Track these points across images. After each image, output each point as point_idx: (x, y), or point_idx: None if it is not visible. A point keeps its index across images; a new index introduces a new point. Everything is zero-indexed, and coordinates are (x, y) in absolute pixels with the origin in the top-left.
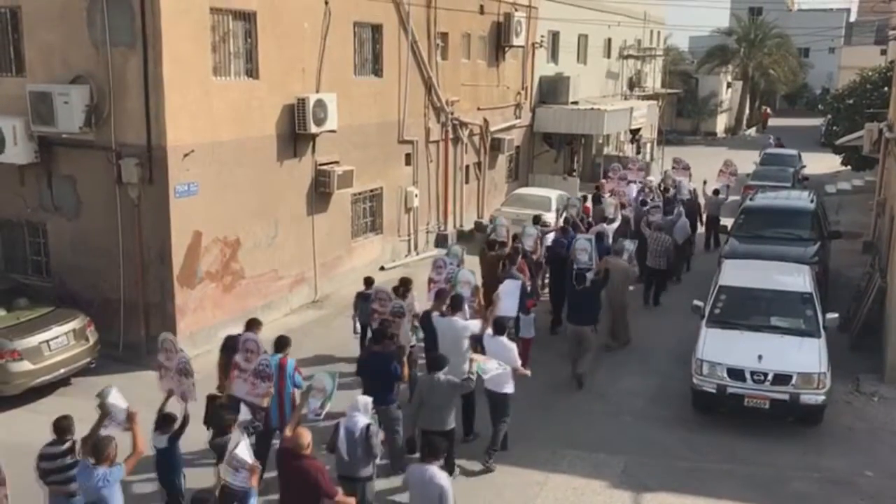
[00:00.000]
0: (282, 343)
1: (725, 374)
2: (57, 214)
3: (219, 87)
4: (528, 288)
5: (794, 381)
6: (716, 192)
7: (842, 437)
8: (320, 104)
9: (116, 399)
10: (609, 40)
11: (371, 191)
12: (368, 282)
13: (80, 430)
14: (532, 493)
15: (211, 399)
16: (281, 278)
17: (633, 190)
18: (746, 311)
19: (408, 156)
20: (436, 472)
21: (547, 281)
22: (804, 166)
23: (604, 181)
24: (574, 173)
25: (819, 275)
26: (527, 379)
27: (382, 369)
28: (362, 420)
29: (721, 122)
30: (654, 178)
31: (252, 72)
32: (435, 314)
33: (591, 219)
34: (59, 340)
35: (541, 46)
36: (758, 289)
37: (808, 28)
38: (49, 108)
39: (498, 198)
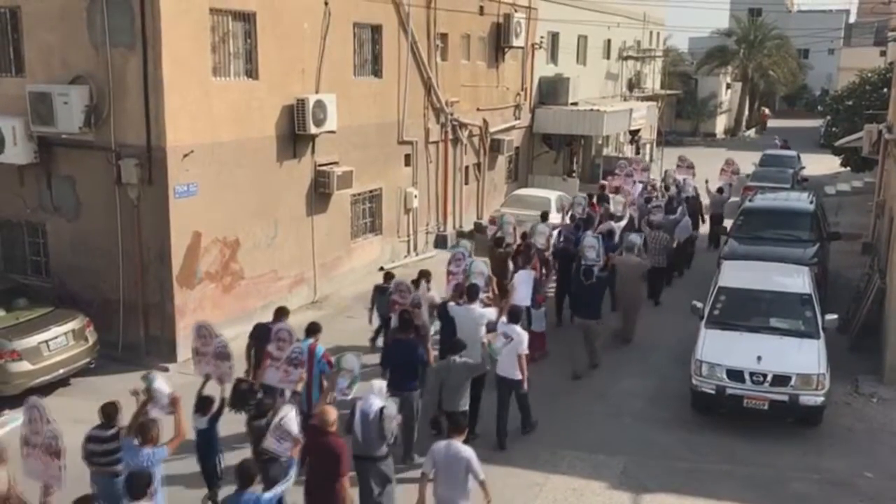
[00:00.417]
0: (313, 329)
1: (725, 375)
2: (56, 215)
3: (218, 87)
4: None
5: (793, 382)
6: (720, 190)
7: (841, 438)
8: (320, 105)
9: (161, 384)
10: (608, 41)
11: (370, 191)
12: (388, 276)
13: (78, 433)
14: (531, 494)
15: (238, 382)
16: (280, 279)
17: (638, 189)
18: (746, 312)
19: (407, 156)
20: (460, 446)
21: (554, 277)
22: (803, 167)
23: (604, 182)
24: (573, 174)
25: (818, 276)
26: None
27: (408, 356)
28: (377, 403)
29: (720, 124)
30: (656, 178)
31: (252, 72)
32: (451, 304)
33: (600, 217)
34: (59, 341)
35: (540, 47)
36: (757, 290)
37: (808, 29)
38: (49, 108)
39: (497, 199)
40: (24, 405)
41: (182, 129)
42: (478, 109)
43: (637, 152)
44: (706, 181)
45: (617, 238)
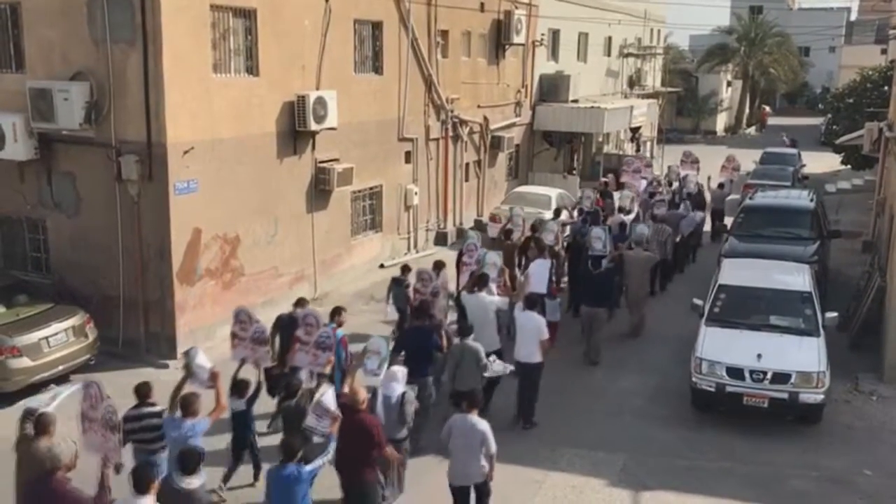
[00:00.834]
0: (336, 312)
1: (724, 373)
2: (56, 211)
3: (219, 84)
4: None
5: (793, 379)
6: (720, 185)
7: (841, 435)
8: (320, 101)
9: (202, 360)
10: (609, 38)
11: (371, 188)
12: (405, 269)
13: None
14: (531, 492)
15: (268, 369)
16: (280, 276)
17: (643, 184)
18: (746, 309)
19: (408, 153)
20: (476, 420)
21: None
22: (804, 165)
23: (605, 179)
24: (574, 171)
25: (818, 274)
26: None
27: (423, 342)
28: (399, 388)
29: (721, 121)
30: (660, 174)
31: (252, 69)
32: (464, 293)
33: (605, 212)
34: (59, 337)
35: (541, 44)
36: (757, 288)
37: (809, 27)
38: (49, 104)
39: (498, 196)
40: (80, 383)
41: (182, 125)
42: (478, 106)
43: (637, 150)
44: (708, 178)
45: (628, 230)
